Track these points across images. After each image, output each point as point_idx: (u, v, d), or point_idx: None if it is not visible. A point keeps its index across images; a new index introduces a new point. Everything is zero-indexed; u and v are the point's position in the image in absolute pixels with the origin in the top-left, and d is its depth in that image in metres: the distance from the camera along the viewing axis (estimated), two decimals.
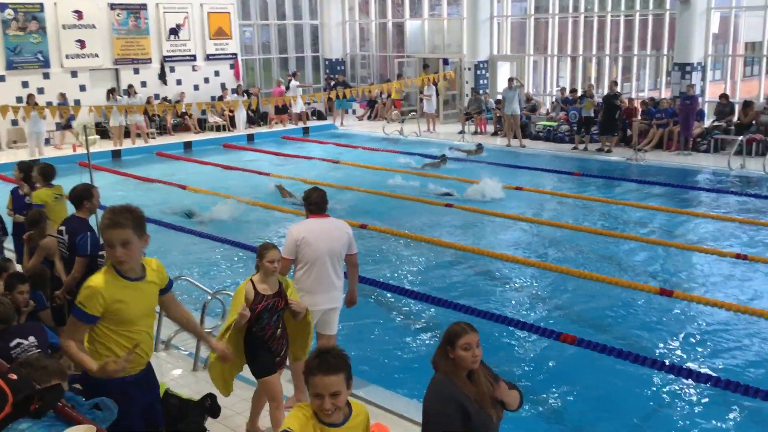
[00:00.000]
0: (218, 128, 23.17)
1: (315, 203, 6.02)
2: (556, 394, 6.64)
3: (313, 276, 5.97)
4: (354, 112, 26.83)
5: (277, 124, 23.98)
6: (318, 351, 3.28)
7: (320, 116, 25.66)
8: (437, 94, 23.52)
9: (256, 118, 24.06)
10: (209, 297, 7.31)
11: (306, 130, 23.53)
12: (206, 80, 24.66)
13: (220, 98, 23.45)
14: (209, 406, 5.49)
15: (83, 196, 6.54)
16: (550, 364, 7.26)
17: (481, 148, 18.86)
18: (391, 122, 23.67)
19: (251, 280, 5.41)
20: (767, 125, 17.50)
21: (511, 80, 20.35)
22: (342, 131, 23.75)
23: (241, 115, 22.96)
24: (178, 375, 6.98)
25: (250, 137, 22.47)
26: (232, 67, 25.20)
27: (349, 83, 26.56)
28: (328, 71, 28.17)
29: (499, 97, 23.10)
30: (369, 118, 25.95)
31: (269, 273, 5.34)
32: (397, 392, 6.51)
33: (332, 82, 26.01)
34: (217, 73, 24.86)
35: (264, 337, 5.41)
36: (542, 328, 7.81)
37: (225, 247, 11.34)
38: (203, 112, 22.95)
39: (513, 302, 8.85)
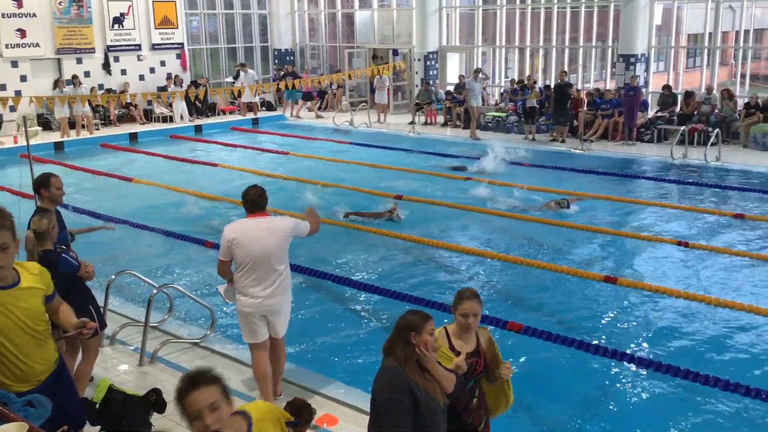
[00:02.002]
0: (165, 119, 22.78)
1: (252, 201, 5.72)
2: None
3: (248, 278, 5.77)
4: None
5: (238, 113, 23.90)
6: (184, 375, 3.15)
7: (270, 107, 25.46)
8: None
9: (204, 108, 23.73)
10: (155, 291, 7.20)
11: (255, 121, 23.31)
12: (152, 70, 24.21)
13: (164, 88, 23.05)
14: (154, 401, 5.42)
15: (39, 184, 6.32)
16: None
17: None
18: (341, 113, 23.60)
19: (445, 329, 4.44)
20: (708, 115, 17.97)
21: (477, 71, 20.36)
22: (292, 122, 23.60)
23: (179, 106, 22.54)
24: (124, 370, 6.87)
25: (198, 128, 22.14)
26: (178, 56, 24.79)
27: (298, 74, 26.39)
28: (277, 61, 27.93)
29: (450, 88, 23.28)
30: (319, 108, 25.82)
31: (464, 329, 4.38)
32: (347, 384, 6.51)
33: (281, 73, 25.79)
34: (163, 63, 24.43)
35: (456, 408, 4.29)
36: (489, 316, 7.90)
37: (173, 240, 11.18)
38: (149, 103, 22.53)
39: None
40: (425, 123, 22.25)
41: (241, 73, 23.95)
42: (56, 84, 20.80)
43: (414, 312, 4.02)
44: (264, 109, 25.16)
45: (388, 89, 24.04)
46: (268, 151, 18.76)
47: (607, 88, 20.67)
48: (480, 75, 20.22)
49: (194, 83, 23.79)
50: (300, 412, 4.39)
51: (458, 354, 4.28)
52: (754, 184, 14.05)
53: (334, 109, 24.60)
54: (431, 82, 23.58)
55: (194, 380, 3.04)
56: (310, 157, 17.49)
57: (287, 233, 5.77)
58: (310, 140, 19.96)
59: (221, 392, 3.05)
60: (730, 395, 6.30)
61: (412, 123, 21.75)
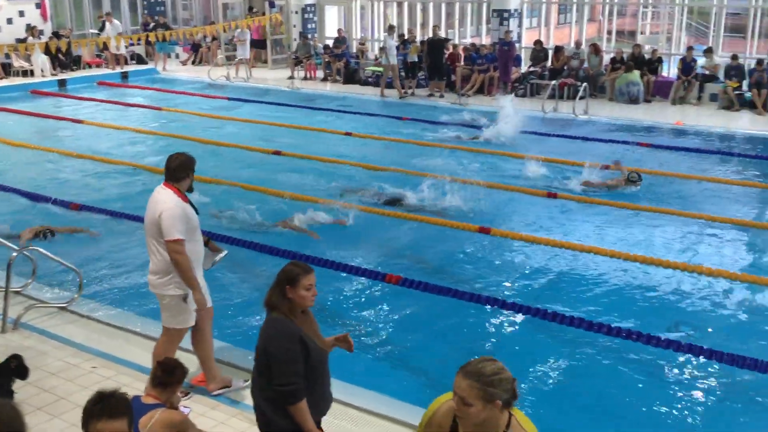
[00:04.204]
0: (24, 73, 21.31)
1: (166, 168, 5.36)
2: (382, 332, 6.83)
3: None
4: (177, 56, 25.65)
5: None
6: (99, 395, 3.11)
7: (140, 60, 24.31)
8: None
9: (68, 62, 22.36)
10: (14, 253, 6.78)
11: (125, 75, 22.22)
12: (9, 21, 22.47)
13: (23, 40, 21.51)
14: (15, 368, 5.15)
15: None
16: (378, 303, 7.44)
17: None
18: (216, 67, 22.89)
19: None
20: (577, 70, 18.65)
21: (391, 27, 19.88)
22: (164, 76, 22.68)
23: (38, 60, 21.07)
24: None
25: (62, 83, 20.87)
26: (38, 6, 23.12)
27: (170, 25, 25.30)
28: (146, 11, 26.62)
29: (329, 42, 22.99)
30: (193, 62, 24.94)
31: (456, 409, 2.96)
32: (227, 342, 6.42)
33: (151, 24, 24.62)
34: (21, 14, 22.70)
35: None
36: (368, 270, 7.97)
37: (36, 202, 10.57)
38: (7, 56, 20.98)
39: (336, 246, 8.91)
40: (305, 78, 21.93)
41: (107, 24, 22.68)
42: None
43: (295, 264, 3.97)
44: (134, 62, 24.02)
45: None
46: (138, 106, 17.99)
47: (483, 43, 21.01)
48: (395, 32, 19.60)
49: (56, 34, 22.32)
50: (172, 372, 4.27)
51: None
52: (618, 135, 14.72)
53: (209, 63, 23.84)
54: (310, 35, 23.21)
55: (108, 409, 3.02)
56: (185, 113, 16.92)
57: (156, 219, 5.18)
58: (184, 95, 19.30)
59: (128, 425, 3.06)
60: (592, 335, 6.67)
61: (291, 78, 21.39)
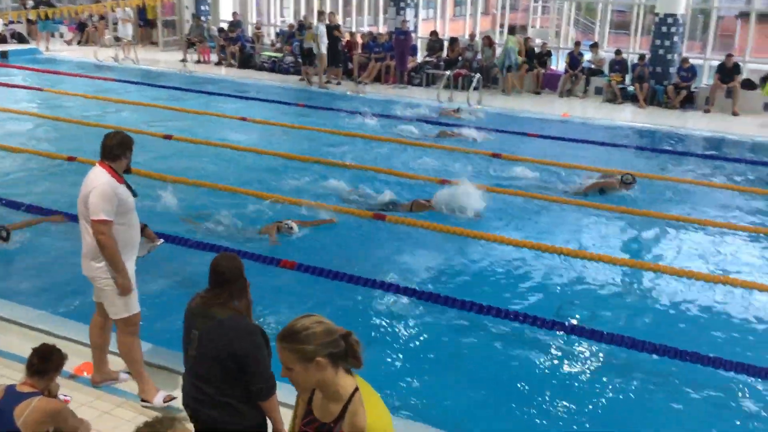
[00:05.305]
0: None
1: (101, 145, 5.08)
2: (281, 318, 6.73)
3: None
4: (62, 35, 24.44)
5: None
6: None
7: (21, 39, 23.00)
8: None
9: None
10: None
11: (4, 54, 20.96)
12: None
13: None
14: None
15: None
16: (273, 289, 7.33)
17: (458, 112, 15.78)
18: (104, 48, 21.96)
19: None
20: (471, 61, 19.00)
21: (321, 13, 19.26)
22: (48, 56, 21.56)
23: None
24: None
25: None
26: None
27: (54, 3, 24.06)
28: None
29: (223, 25, 22.47)
30: (79, 42, 23.83)
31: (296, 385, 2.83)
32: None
33: (32, 1, 23.32)
34: None
35: None
36: (262, 255, 7.84)
37: None
38: None
39: (232, 229, 8.75)
40: (198, 61, 21.36)
41: None
42: None
43: (226, 256, 3.88)
44: (15, 41, 22.72)
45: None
46: (19, 87, 17.05)
47: (380, 32, 21.08)
48: (326, 18, 18.98)
49: None
50: (49, 358, 4.06)
51: (307, 413, 2.88)
52: (509, 125, 15.06)
53: (96, 44, 22.85)
54: (203, 17, 22.60)
55: None
56: (69, 94, 16.17)
57: (89, 195, 4.90)
58: (68, 76, 18.44)
59: None
60: (499, 320, 6.79)
61: (183, 60, 20.80)
